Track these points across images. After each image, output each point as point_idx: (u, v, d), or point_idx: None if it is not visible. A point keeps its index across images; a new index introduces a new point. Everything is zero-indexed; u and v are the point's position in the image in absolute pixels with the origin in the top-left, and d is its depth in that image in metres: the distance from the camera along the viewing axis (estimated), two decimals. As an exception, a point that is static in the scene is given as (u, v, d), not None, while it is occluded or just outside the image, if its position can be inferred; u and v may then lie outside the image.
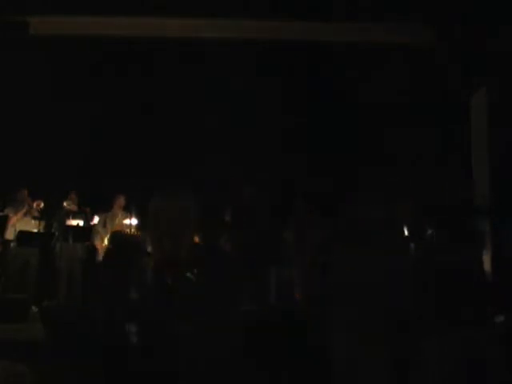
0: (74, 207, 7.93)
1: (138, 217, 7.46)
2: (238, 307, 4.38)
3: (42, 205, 7.76)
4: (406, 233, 6.04)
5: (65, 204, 7.86)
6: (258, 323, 4.28)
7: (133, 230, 7.41)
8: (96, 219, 7.89)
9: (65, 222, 7.78)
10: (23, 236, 7.43)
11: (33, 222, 7.66)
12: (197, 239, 7.56)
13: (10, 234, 7.54)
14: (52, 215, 7.93)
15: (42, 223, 7.62)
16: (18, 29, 7.70)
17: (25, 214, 7.64)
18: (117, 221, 7.95)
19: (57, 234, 7.75)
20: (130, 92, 8.53)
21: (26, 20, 7.83)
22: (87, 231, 7.86)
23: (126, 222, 7.79)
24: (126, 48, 8.06)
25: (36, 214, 7.72)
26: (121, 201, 8.07)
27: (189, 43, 7.98)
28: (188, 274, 7.35)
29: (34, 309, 6.63)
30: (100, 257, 7.75)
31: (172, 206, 6.56)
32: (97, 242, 7.92)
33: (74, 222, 7.79)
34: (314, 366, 3.73)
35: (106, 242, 7.81)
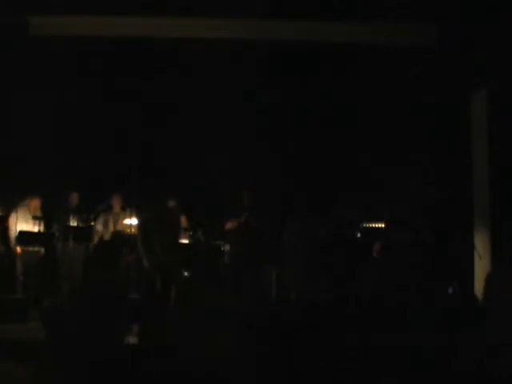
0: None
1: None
2: (238, 307, 4.38)
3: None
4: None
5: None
6: (257, 323, 4.28)
7: (133, 230, 7.42)
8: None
9: (65, 222, 7.78)
10: (23, 236, 7.43)
11: (33, 221, 7.64)
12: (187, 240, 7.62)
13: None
14: (52, 215, 7.92)
15: (42, 223, 7.60)
16: (18, 29, 7.71)
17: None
18: (114, 220, 7.97)
19: (57, 234, 7.73)
20: (129, 92, 8.54)
21: (26, 20, 7.84)
22: (87, 231, 7.85)
23: (127, 221, 7.80)
24: (127, 48, 8.08)
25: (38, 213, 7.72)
26: (118, 201, 8.07)
27: (189, 43, 7.99)
28: (186, 273, 7.40)
29: (34, 309, 6.62)
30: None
31: (159, 212, 6.58)
32: (97, 242, 7.93)
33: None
34: (315, 367, 3.72)
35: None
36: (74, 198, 8.02)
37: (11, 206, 7.63)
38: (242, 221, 7.60)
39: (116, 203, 8.07)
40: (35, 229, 7.59)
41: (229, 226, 7.64)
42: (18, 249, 7.53)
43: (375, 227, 7.56)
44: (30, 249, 7.60)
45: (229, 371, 3.28)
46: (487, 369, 3.18)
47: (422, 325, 3.97)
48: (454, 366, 3.31)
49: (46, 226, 7.75)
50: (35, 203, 7.76)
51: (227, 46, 7.88)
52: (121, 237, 7.70)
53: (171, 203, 6.55)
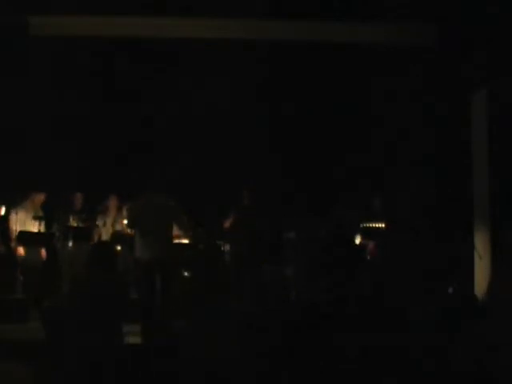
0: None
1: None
2: (238, 307, 4.39)
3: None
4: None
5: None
6: (257, 323, 4.28)
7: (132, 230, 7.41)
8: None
9: (65, 222, 7.76)
10: (23, 236, 7.42)
11: (33, 221, 7.63)
12: (187, 239, 7.62)
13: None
14: (53, 215, 7.92)
15: (43, 223, 7.59)
16: (18, 29, 7.73)
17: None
18: (112, 221, 7.97)
19: (57, 234, 7.71)
20: (129, 92, 8.55)
21: (27, 20, 7.86)
22: (87, 231, 7.84)
23: (126, 222, 7.79)
24: (128, 48, 8.11)
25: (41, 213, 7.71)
26: (115, 201, 8.07)
27: (189, 43, 8.02)
28: (185, 273, 7.37)
29: (34, 309, 6.62)
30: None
31: (157, 208, 6.52)
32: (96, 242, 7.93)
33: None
34: (316, 367, 3.72)
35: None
36: (78, 199, 7.99)
37: (12, 206, 7.62)
38: (240, 216, 7.58)
39: (113, 203, 8.07)
40: (35, 229, 7.56)
41: (226, 224, 7.66)
42: (21, 250, 7.51)
43: (375, 227, 7.56)
44: (31, 249, 7.58)
45: (229, 371, 3.28)
46: (487, 368, 3.19)
47: (422, 325, 3.98)
48: (454, 365, 3.31)
49: (47, 226, 7.74)
50: (39, 199, 7.76)
51: (227, 46, 7.91)
52: (121, 237, 7.70)
53: (171, 202, 6.52)
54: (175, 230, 6.90)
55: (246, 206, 7.74)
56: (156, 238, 6.19)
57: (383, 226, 7.54)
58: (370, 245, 7.73)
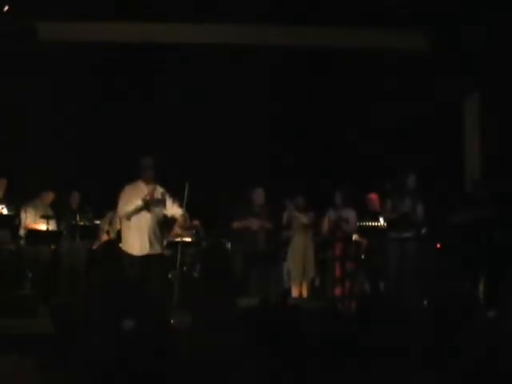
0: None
1: None
2: (238, 304, 4.48)
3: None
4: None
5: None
6: (258, 321, 4.34)
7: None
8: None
9: (71, 220, 7.92)
10: (32, 234, 7.59)
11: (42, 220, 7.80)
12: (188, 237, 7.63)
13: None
14: (60, 214, 8.06)
15: (51, 221, 7.74)
16: (27, 34, 7.90)
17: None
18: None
19: (64, 232, 7.84)
20: (131, 94, 8.75)
21: (35, 26, 8.03)
22: (93, 229, 7.98)
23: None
24: (132, 53, 8.29)
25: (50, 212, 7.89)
26: None
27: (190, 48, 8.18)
28: (185, 269, 7.24)
29: (44, 305, 6.76)
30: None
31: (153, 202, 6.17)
32: (102, 240, 8.09)
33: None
34: (314, 364, 3.75)
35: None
36: (75, 198, 8.10)
37: (21, 205, 7.78)
38: (252, 215, 7.31)
39: None
40: (44, 227, 7.75)
41: (237, 225, 7.28)
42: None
43: (372, 225, 7.65)
44: (39, 246, 7.76)
45: (230, 370, 3.36)
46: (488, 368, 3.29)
47: (421, 324, 4.08)
48: (455, 365, 3.41)
49: (55, 225, 7.93)
50: (48, 198, 7.92)
51: (226, 51, 8.06)
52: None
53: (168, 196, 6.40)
54: (176, 229, 6.96)
55: (258, 204, 7.41)
56: (149, 233, 5.93)
57: (379, 224, 7.61)
58: (365, 242, 7.84)
